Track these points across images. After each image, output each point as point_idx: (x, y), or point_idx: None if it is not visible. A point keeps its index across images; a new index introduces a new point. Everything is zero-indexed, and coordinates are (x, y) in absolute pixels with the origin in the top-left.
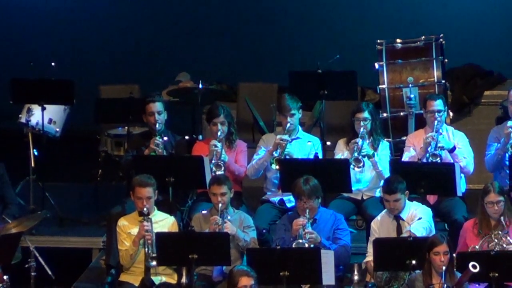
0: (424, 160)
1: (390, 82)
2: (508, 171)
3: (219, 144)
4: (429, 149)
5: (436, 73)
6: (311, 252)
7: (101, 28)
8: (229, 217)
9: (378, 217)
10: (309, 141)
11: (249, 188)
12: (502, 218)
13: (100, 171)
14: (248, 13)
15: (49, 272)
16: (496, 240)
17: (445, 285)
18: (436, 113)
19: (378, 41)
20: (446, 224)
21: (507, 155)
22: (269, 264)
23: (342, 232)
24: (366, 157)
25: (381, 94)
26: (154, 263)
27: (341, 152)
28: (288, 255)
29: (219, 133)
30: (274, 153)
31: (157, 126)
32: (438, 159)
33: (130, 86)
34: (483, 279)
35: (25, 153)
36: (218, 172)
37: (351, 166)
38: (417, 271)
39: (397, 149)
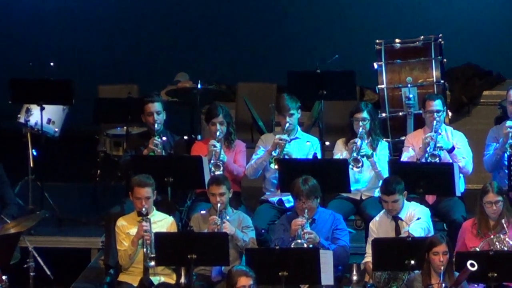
0: (423, 160)
1: (389, 82)
2: (507, 171)
3: (218, 144)
4: (428, 149)
5: (435, 73)
6: (310, 252)
7: (100, 28)
8: (228, 217)
9: (377, 218)
10: (308, 141)
11: (248, 188)
12: (503, 220)
13: (99, 171)
14: (247, 13)
15: (48, 272)
16: (498, 244)
17: (444, 285)
18: (435, 113)
19: (377, 41)
20: (445, 224)
21: (506, 155)
22: (268, 264)
23: (341, 232)
24: (365, 157)
25: (380, 94)
26: (152, 263)
27: (340, 152)
28: (287, 255)
29: (218, 133)
30: (273, 152)
31: (156, 126)
32: (437, 159)
33: (129, 86)
34: (481, 279)
35: (24, 153)
36: (217, 172)
37: (350, 166)
38: (416, 271)
39: (396, 149)
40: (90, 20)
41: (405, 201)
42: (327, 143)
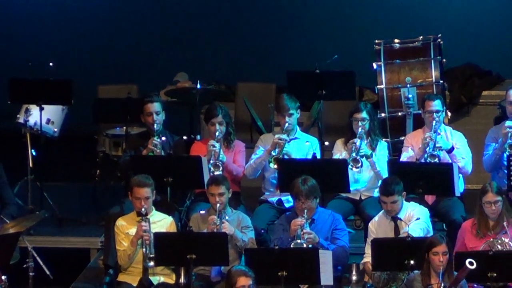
0: (422, 160)
1: (388, 82)
2: (506, 171)
3: (217, 144)
4: (427, 149)
5: (434, 73)
6: (309, 252)
7: (99, 28)
8: (227, 217)
9: (376, 218)
10: (307, 141)
11: (247, 188)
12: (505, 224)
13: (98, 171)
14: (246, 13)
15: (47, 272)
16: (499, 247)
17: (443, 285)
18: (434, 113)
19: (376, 41)
20: (444, 224)
21: (505, 155)
22: (267, 264)
23: (340, 232)
24: (364, 157)
25: (379, 94)
26: (151, 263)
27: (339, 152)
28: (286, 255)
29: (217, 133)
30: (272, 152)
31: (155, 126)
32: (436, 160)
33: (128, 86)
34: (481, 279)
35: (23, 153)
36: (216, 172)
37: (349, 166)
38: (416, 271)
39: (395, 149)
40: (90, 20)
41: (404, 201)
42: (326, 143)
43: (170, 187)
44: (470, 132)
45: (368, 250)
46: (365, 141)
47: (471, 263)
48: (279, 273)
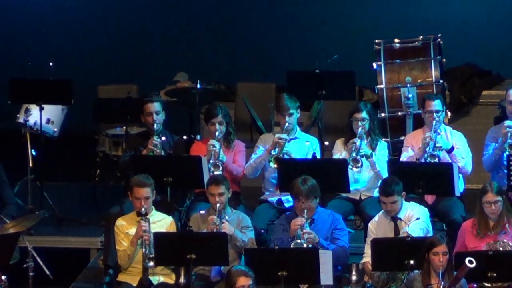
0: (422, 160)
1: (388, 82)
2: (506, 171)
3: (217, 144)
4: (427, 149)
5: (434, 73)
6: (309, 252)
7: (99, 28)
8: (227, 217)
9: (376, 218)
10: (307, 141)
11: (247, 188)
12: (507, 226)
13: (98, 171)
14: (246, 13)
15: (47, 272)
16: (501, 249)
17: (443, 286)
18: (434, 113)
19: (376, 41)
20: (444, 224)
21: (505, 154)
22: (267, 264)
23: (340, 232)
24: (364, 157)
25: (379, 94)
26: (151, 263)
27: (339, 152)
28: (286, 255)
29: (217, 133)
30: (272, 151)
31: (155, 126)
32: (436, 159)
33: (128, 86)
34: (481, 279)
35: (23, 153)
36: (216, 172)
37: (349, 166)
38: (416, 271)
39: (395, 149)
40: (90, 20)
41: (404, 201)
42: (326, 143)
43: (170, 187)
44: (470, 132)
45: (367, 250)
46: (365, 141)
47: (470, 262)
48: (279, 273)
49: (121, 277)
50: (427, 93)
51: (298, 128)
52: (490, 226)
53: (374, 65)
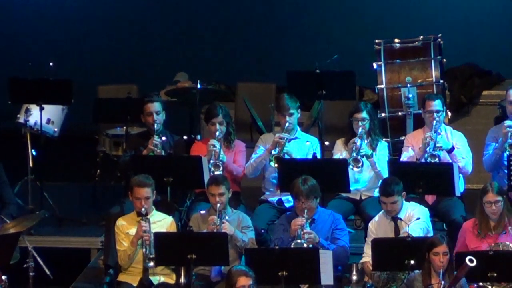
0: (423, 160)
1: (388, 82)
2: (506, 171)
3: (217, 144)
4: (427, 149)
5: (434, 73)
6: (310, 252)
7: (99, 28)
8: (227, 217)
9: (376, 218)
10: (307, 141)
11: (247, 188)
12: (510, 228)
13: (98, 171)
14: (246, 13)
15: (48, 272)
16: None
17: (443, 285)
18: (434, 113)
19: (376, 41)
20: (444, 224)
21: (505, 154)
22: (267, 264)
23: (340, 232)
24: (364, 157)
25: (380, 94)
26: (151, 264)
27: (340, 152)
28: (287, 255)
29: (217, 133)
30: (272, 151)
31: (155, 126)
32: (436, 159)
33: (128, 86)
34: (481, 279)
35: (23, 153)
36: (217, 172)
37: (350, 166)
38: (416, 271)
39: (396, 149)
40: (90, 20)
41: (404, 201)
42: (326, 143)
43: (170, 187)
44: (470, 132)
45: (367, 250)
46: (366, 141)
47: (471, 261)
48: (280, 273)
49: (122, 277)
50: (427, 93)
51: (298, 128)
52: (491, 226)
53: (374, 65)
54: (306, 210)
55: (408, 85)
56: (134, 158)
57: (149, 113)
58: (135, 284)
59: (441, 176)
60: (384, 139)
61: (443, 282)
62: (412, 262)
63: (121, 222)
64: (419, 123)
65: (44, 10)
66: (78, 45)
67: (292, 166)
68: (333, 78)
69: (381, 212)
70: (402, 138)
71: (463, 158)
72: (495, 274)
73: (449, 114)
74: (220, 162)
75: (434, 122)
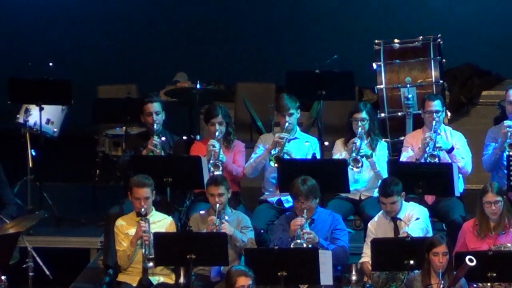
0: (422, 160)
1: (388, 82)
2: (506, 171)
3: (217, 144)
4: (427, 149)
5: (434, 73)
6: (309, 252)
7: (99, 29)
8: (226, 218)
9: (375, 218)
10: (307, 141)
11: (247, 188)
12: (507, 225)
13: (98, 171)
14: (246, 13)
15: (47, 272)
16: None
17: (443, 286)
18: (434, 114)
19: (376, 41)
20: (444, 224)
21: (505, 154)
22: (267, 264)
23: (340, 233)
24: (364, 157)
25: (379, 94)
26: (151, 264)
27: (339, 152)
28: (286, 255)
29: (217, 133)
30: (272, 151)
31: (155, 126)
32: (436, 160)
33: (128, 86)
34: (481, 279)
35: (23, 153)
36: (216, 172)
37: (350, 166)
38: (416, 271)
39: (395, 149)
40: (89, 20)
41: (404, 201)
42: (326, 143)
43: (170, 187)
44: (469, 132)
45: (366, 250)
46: (365, 141)
47: (471, 260)
48: (279, 273)
49: (121, 277)
50: (427, 93)
51: (298, 128)
52: (491, 226)
53: (374, 65)
54: (305, 210)
55: (408, 85)
56: (133, 158)
57: (148, 113)
58: (134, 284)
59: (441, 176)
60: (383, 139)
61: (442, 282)
62: (411, 262)
63: (120, 222)
64: (418, 123)
65: (44, 10)
66: (78, 45)
67: (292, 166)
68: (333, 78)
69: (380, 212)
70: (402, 138)
71: (463, 158)
72: (495, 274)
73: (449, 114)
74: (220, 162)
75: (434, 122)
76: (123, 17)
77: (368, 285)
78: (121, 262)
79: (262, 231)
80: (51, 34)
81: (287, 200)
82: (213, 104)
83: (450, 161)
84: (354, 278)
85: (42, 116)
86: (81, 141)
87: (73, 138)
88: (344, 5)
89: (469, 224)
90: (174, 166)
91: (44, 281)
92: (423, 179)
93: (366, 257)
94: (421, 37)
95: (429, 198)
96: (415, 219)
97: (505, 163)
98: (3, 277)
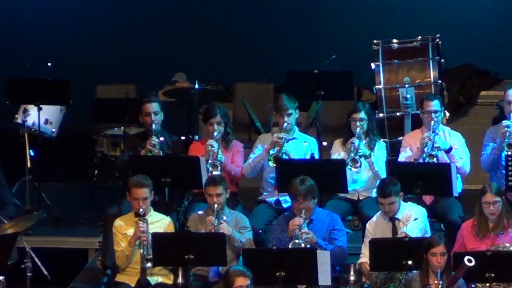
0: (421, 161)
1: (386, 82)
2: (504, 172)
3: (215, 144)
4: (425, 149)
5: (433, 73)
6: (307, 253)
7: (98, 29)
8: (225, 218)
9: (374, 219)
10: (305, 142)
11: (245, 188)
12: (510, 230)
13: (96, 171)
14: (244, 13)
15: (45, 273)
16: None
17: (441, 285)
18: (432, 114)
19: (375, 41)
20: (442, 225)
21: (503, 154)
22: (265, 265)
23: (338, 233)
24: (362, 157)
25: (378, 94)
26: (149, 264)
27: (338, 153)
28: (284, 256)
29: (215, 133)
30: (271, 151)
31: (153, 126)
32: (434, 160)
33: (126, 86)
34: (479, 279)
35: (21, 154)
36: (215, 172)
37: (348, 166)
38: (414, 272)
39: (394, 149)
40: (88, 20)
41: (402, 201)
42: (324, 143)
43: (168, 187)
44: (468, 132)
45: (364, 250)
46: (364, 141)
47: (469, 261)
48: (277, 273)
49: (119, 278)
50: (426, 94)
51: (296, 129)
52: (490, 227)
53: (373, 65)
54: (303, 211)
55: (406, 86)
56: (132, 159)
57: (147, 113)
58: (132, 285)
59: (439, 176)
60: (382, 140)
61: (441, 282)
62: (409, 262)
63: (119, 222)
64: (417, 123)
65: (42, 10)
66: (76, 46)
67: (290, 166)
68: (331, 79)
69: (378, 213)
70: (400, 138)
71: (461, 158)
72: (493, 275)
73: (447, 114)
74: (218, 162)
75: (432, 122)
76: (121, 17)
77: (366, 286)
78: (119, 263)
79: (260, 231)
80: (49, 34)
81: (286, 200)
82: (212, 104)
83: (448, 161)
84: (352, 278)
85: (41, 116)
86: (79, 141)
87: (71, 138)
88: (343, 5)
89: (468, 224)
90: (172, 166)
91: (42, 282)
92: (421, 179)
93: (364, 257)
94: (419, 37)
95: (428, 198)
96: (413, 219)
97: (503, 163)
98: (1, 277)
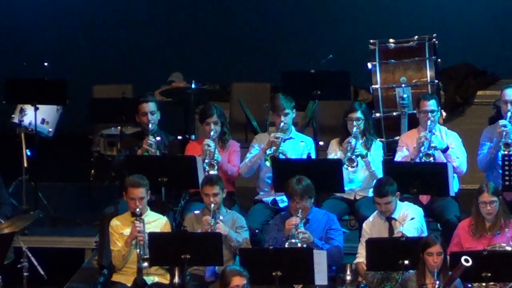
0: (417, 160)
1: (383, 82)
2: (500, 171)
3: (212, 144)
4: (422, 149)
5: (429, 73)
6: (304, 252)
7: (95, 28)
8: (221, 218)
9: (370, 218)
10: (302, 141)
11: (242, 188)
12: (507, 230)
13: (93, 171)
14: (241, 13)
15: (42, 272)
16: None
17: (437, 285)
18: (429, 113)
19: (371, 41)
20: (438, 224)
21: (499, 154)
22: (261, 264)
23: (335, 232)
24: (359, 157)
25: (374, 94)
26: (145, 264)
27: (334, 152)
28: (281, 255)
29: (212, 133)
30: (267, 151)
31: (150, 126)
32: (431, 159)
33: (123, 86)
34: (476, 279)
35: (17, 153)
36: (212, 172)
37: (345, 166)
38: (411, 271)
39: (390, 149)
40: (85, 20)
41: (399, 201)
42: (321, 143)
43: (165, 187)
44: (465, 132)
45: (361, 250)
46: (360, 141)
47: (466, 260)
48: (274, 273)
49: (116, 277)
50: (422, 93)
51: (293, 128)
52: (486, 226)
53: (369, 65)
54: (300, 210)
55: (403, 85)
56: (128, 158)
57: (143, 113)
58: (129, 284)
59: (436, 176)
60: (378, 139)
61: (438, 282)
62: (406, 262)
63: (115, 222)
64: (413, 123)
65: (39, 10)
66: (73, 45)
67: (287, 166)
68: (328, 78)
69: (375, 212)
70: (397, 138)
71: (458, 158)
72: (489, 274)
73: (444, 114)
74: (215, 162)
75: (429, 122)
76: (118, 17)
77: (362, 285)
78: (116, 262)
79: (257, 231)
80: (46, 34)
81: (282, 200)
82: (208, 104)
83: (445, 160)
84: (348, 278)
85: (37, 116)
86: (76, 141)
87: (68, 138)
88: (339, 5)
89: (465, 224)
90: (169, 166)
91: (38, 281)
92: (418, 179)
93: (361, 257)
94: (416, 36)
95: (424, 198)
96: (410, 219)
97: (500, 162)
98: None
